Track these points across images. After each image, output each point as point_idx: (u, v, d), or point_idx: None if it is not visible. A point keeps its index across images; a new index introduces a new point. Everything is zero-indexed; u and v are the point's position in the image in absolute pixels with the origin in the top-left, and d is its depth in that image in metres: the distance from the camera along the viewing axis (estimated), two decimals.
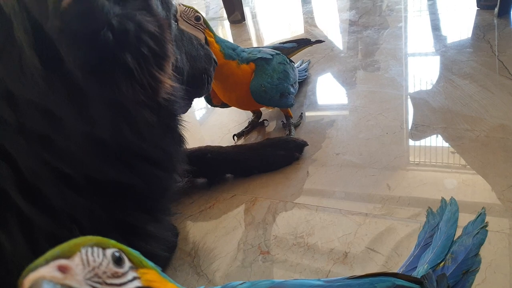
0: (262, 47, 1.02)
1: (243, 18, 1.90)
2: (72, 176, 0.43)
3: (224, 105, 0.98)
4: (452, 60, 1.10)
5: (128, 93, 0.42)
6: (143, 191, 0.51)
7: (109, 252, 0.27)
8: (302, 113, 1.01)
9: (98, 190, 0.46)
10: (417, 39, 1.33)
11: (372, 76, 1.14)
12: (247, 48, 0.93)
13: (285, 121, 0.98)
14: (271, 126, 1.03)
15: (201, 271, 0.65)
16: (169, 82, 0.47)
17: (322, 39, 1.50)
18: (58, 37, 0.37)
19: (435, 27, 1.38)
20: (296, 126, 0.97)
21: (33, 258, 0.41)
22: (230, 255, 0.66)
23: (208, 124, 1.12)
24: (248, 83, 0.87)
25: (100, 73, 0.40)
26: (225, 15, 1.98)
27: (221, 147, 0.88)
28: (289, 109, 0.96)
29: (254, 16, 2.09)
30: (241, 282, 0.39)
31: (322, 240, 0.65)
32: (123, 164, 0.47)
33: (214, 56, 0.75)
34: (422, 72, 1.11)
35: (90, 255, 0.25)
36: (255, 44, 1.67)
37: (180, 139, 0.60)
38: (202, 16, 0.82)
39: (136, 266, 0.28)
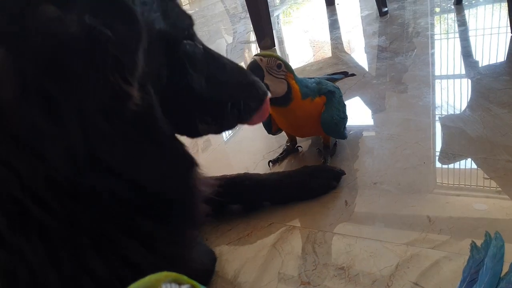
0: (319, 77, 1.05)
1: (273, 44, 1.95)
2: (61, 183, 0.44)
3: (277, 132, 1.01)
4: (488, 88, 1.10)
5: (89, 102, 0.41)
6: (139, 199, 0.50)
7: (185, 286, 0.29)
8: (336, 141, 1.02)
9: (98, 199, 0.46)
10: (450, 66, 1.33)
11: (406, 103, 1.14)
12: (313, 78, 0.95)
13: (321, 149, 0.99)
14: (305, 153, 1.05)
15: None
16: (136, 93, 0.44)
17: (352, 65, 1.52)
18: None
19: (467, 53, 1.38)
20: (332, 154, 0.98)
21: (53, 264, 0.43)
22: (271, 285, 0.67)
23: (242, 151, 1.14)
24: (318, 114, 0.89)
25: (60, 79, 0.40)
26: (252, 38, 2.03)
27: (258, 174, 0.89)
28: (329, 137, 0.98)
29: (281, 42, 2.13)
30: None
31: (364, 272, 0.65)
32: (100, 173, 0.46)
33: (261, 87, 0.70)
34: (457, 100, 1.11)
35: None
36: None
37: (177, 159, 0.57)
38: (283, 61, 0.84)
39: None
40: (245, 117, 0.69)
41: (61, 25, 0.38)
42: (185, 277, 0.31)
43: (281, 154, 1.02)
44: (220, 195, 0.73)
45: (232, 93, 0.64)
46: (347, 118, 0.97)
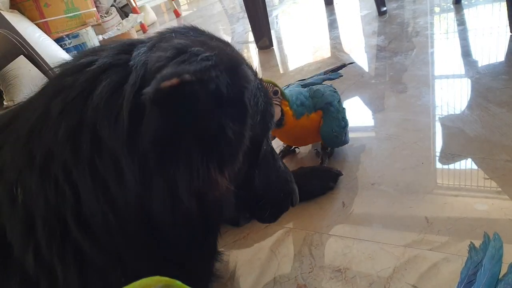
0: (314, 78, 1.04)
1: (271, 44, 1.94)
2: (116, 225, 0.45)
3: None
4: (487, 88, 1.09)
5: (182, 178, 0.43)
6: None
7: None
8: None
9: (139, 245, 0.47)
10: (449, 66, 1.32)
11: (405, 103, 1.14)
12: (307, 88, 0.94)
13: (319, 150, 0.98)
14: (302, 154, 1.04)
15: None
16: (224, 184, 0.47)
17: (350, 65, 1.51)
18: (148, 104, 0.39)
19: (466, 53, 1.37)
20: (330, 155, 0.97)
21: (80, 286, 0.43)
22: (267, 287, 0.66)
23: None
24: (316, 128, 0.89)
25: (166, 150, 0.42)
26: (250, 39, 2.02)
27: None
28: None
29: (280, 42, 2.12)
30: None
31: (361, 274, 0.64)
32: (153, 236, 0.48)
33: (296, 196, 0.70)
34: (456, 100, 1.10)
35: None
36: (281, 70, 1.70)
37: (214, 248, 0.61)
38: (280, 89, 0.84)
39: None
40: (274, 219, 0.69)
41: (209, 117, 0.42)
42: (178, 283, 0.30)
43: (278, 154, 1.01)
44: None
45: (278, 196, 0.66)
46: (347, 124, 0.95)
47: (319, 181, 0.85)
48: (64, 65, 0.50)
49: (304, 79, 1.10)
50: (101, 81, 0.44)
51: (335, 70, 1.16)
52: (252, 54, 1.99)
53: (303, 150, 1.05)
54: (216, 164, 0.44)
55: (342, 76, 1.12)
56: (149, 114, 0.40)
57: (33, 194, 0.43)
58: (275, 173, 0.64)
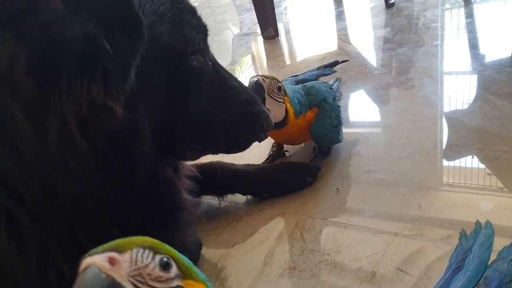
0: (308, 72, 1.03)
1: (276, 34, 1.93)
2: (34, 180, 0.42)
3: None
4: (491, 80, 1.07)
5: (68, 108, 0.39)
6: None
7: (158, 256, 0.28)
8: None
9: (66, 200, 0.44)
10: (454, 58, 1.31)
11: (406, 94, 1.13)
12: (302, 85, 0.92)
13: (316, 146, 0.94)
14: (292, 156, 0.99)
15: (227, 284, 0.65)
16: (119, 109, 0.42)
17: (355, 56, 1.50)
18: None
19: (473, 45, 1.35)
20: (326, 154, 0.93)
21: (18, 255, 0.41)
22: (256, 268, 0.67)
23: (236, 160, 1.14)
24: (309, 125, 0.86)
25: (43, 79, 0.39)
26: (259, 30, 2.02)
27: (233, 164, 0.86)
28: None
29: (287, 32, 2.11)
30: None
31: (350, 258, 0.65)
32: (81, 183, 0.44)
33: (268, 119, 0.64)
34: (458, 91, 1.09)
35: (139, 255, 0.28)
36: (287, 61, 1.69)
37: (163, 186, 0.55)
38: (282, 85, 0.82)
39: (184, 276, 0.29)
40: (239, 149, 0.64)
41: (62, 27, 0.37)
42: (165, 247, 0.30)
43: (267, 159, 0.97)
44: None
45: (233, 123, 0.58)
46: (341, 123, 0.92)
47: (298, 176, 0.84)
48: None
49: (297, 75, 1.09)
50: None
51: (329, 66, 1.15)
52: (259, 45, 1.98)
53: (292, 151, 1.01)
54: (101, 84, 0.39)
55: (335, 72, 1.11)
56: (8, 48, 0.37)
57: None
58: (226, 96, 0.57)
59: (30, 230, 0.42)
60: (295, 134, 0.88)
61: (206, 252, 0.73)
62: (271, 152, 0.99)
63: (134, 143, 0.47)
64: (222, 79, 0.58)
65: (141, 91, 0.45)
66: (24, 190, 0.42)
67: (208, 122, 0.56)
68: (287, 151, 1.00)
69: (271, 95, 0.80)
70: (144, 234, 0.31)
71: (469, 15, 1.62)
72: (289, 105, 0.83)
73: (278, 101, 0.81)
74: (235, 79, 0.60)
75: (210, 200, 0.86)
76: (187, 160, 0.65)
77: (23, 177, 0.41)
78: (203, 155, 0.63)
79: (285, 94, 0.83)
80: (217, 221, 0.80)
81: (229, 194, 0.84)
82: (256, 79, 0.78)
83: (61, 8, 0.37)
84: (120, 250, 0.27)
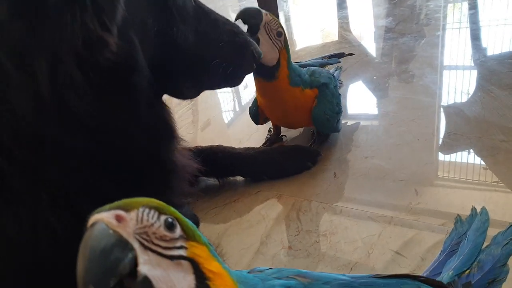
0: (311, 61, 1.02)
1: None
2: (23, 129, 0.41)
3: (265, 121, 0.96)
4: (492, 71, 1.07)
5: (62, 44, 0.38)
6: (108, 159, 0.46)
7: (163, 217, 0.29)
8: None
9: (58, 148, 0.43)
10: (455, 49, 1.30)
11: (406, 83, 1.13)
12: (303, 67, 0.90)
13: (315, 132, 0.94)
14: (289, 142, 0.99)
15: (223, 261, 0.65)
16: (113, 41, 0.41)
17: (356, 45, 1.50)
18: None
19: (475, 37, 1.35)
20: (324, 140, 0.92)
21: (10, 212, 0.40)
22: (253, 247, 0.67)
23: (238, 122, 1.14)
24: (309, 108, 0.85)
25: (33, 17, 0.37)
26: None
27: (233, 147, 0.87)
28: None
29: (287, 20, 2.10)
30: (268, 267, 0.40)
31: (345, 240, 0.65)
32: (76, 129, 0.43)
33: (256, 49, 0.65)
34: (458, 81, 1.09)
35: (145, 214, 0.28)
36: None
37: (161, 126, 0.54)
38: (284, 34, 0.78)
39: (187, 237, 0.30)
40: (234, 81, 0.65)
41: None
42: (170, 208, 0.30)
43: (264, 143, 0.97)
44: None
45: (222, 52, 0.59)
46: (341, 111, 0.91)
47: (297, 160, 0.84)
48: None
49: (301, 61, 1.08)
50: None
51: (335, 57, 1.14)
52: None
53: (290, 136, 1.01)
54: (93, 16, 0.39)
55: (340, 62, 1.11)
56: None
57: None
58: (211, 27, 0.58)
59: (20, 187, 0.42)
60: (291, 108, 0.85)
61: (204, 229, 0.73)
62: (269, 136, 0.99)
63: (131, 75, 0.46)
64: (205, 12, 0.58)
65: (131, 22, 0.45)
66: (15, 145, 0.41)
67: (198, 55, 0.56)
68: (284, 135, 1.00)
69: (268, 32, 0.76)
70: (135, 191, 0.31)
71: (473, 6, 1.61)
72: (284, 61, 0.79)
73: (274, 44, 0.77)
74: (218, 14, 0.61)
75: (209, 181, 0.86)
76: (186, 98, 0.65)
77: (14, 131, 0.40)
78: (200, 92, 0.63)
79: (285, 45, 0.79)
80: (215, 200, 0.80)
81: (229, 177, 0.85)
82: (257, 8, 0.75)
83: None
84: (127, 208, 0.28)
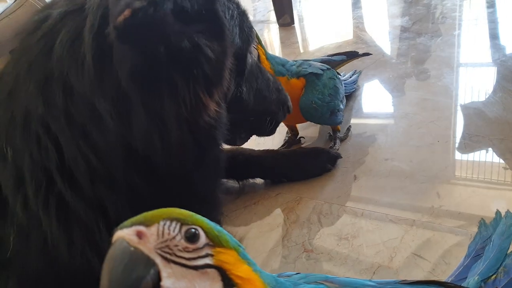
0: (312, 60, 1.02)
1: (292, 21, 1.91)
2: (103, 173, 0.45)
3: None
4: None
5: (169, 108, 0.43)
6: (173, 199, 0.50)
7: (185, 227, 0.29)
8: (349, 126, 0.98)
9: (128, 190, 0.47)
10: (474, 48, 1.29)
11: (424, 83, 1.12)
12: (296, 61, 0.90)
13: (331, 134, 0.95)
14: (308, 143, 0.99)
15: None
16: (213, 107, 0.47)
17: (372, 45, 1.49)
18: (114, 43, 0.40)
19: (494, 35, 1.33)
20: (343, 139, 0.94)
21: (65, 238, 0.44)
22: (274, 250, 0.68)
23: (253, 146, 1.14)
24: (297, 98, 0.84)
25: (146, 83, 0.42)
26: (272, 18, 2.00)
27: (253, 150, 0.88)
28: None
29: (301, 20, 2.09)
30: (295, 272, 0.40)
31: (367, 243, 0.65)
32: (148, 172, 0.47)
33: (290, 104, 0.72)
34: (478, 82, 1.07)
35: (166, 228, 0.28)
36: (301, 48, 1.68)
37: (218, 168, 0.59)
38: (257, 34, 0.78)
39: (214, 244, 0.29)
40: (271, 131, 0.72)
41: (179, 37, 0.41)
42: (193, 217, 0.30)
43: (283, 145, 0.97)
44: None
45: (272, 107, 0.67)
46: (338, 102, 0.89)
47: (317, 162, 0.84)
48: (23, 27, 0.50)
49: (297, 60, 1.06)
50: (60, 31, 0.44)
51: (344, 54, 1.12)
52: (272, 33, 1.97)
53: (309, 139, 1.00)
54: (204, 88, 0.43)
55: (345, 59, 1.10)
56: (117, 52, 0.40)
57: (20, 153, 0.45)
58: (266, 85, 0.64)
59: (80, 216, 0.45)
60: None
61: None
62: (287, 138, 0.99)
63: (216, 135, 0.51)
64: (262, 71, 0.64)
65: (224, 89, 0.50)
66: (85, 179, 0.44)
67: (255, 110, 0.63)
68: (302, 137, 1.00)
69: None
70: None
71: (491, 4, 1.58)
72: (263, 56, 0.79)
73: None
74: (267, 71, 0.67)
75: (228, 183, 0.86)
76: (237, 145, 0.74)
77: (89, 168, 0.44)
78: (247, 140, 0.71)
79: (260, 44, 0.79)
80: (235, 203, 0.81)
81: (249, 179, 0.86)
82: None
83: (174, 22, 0.40)
84: (147, 223, 0.28)
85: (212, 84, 0.45)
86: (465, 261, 0.56)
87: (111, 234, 0.44)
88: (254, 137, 1.01)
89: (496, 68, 1.11)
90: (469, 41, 1.34)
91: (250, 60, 0.59)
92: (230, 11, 0.51)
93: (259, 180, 0.87)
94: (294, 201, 0.79)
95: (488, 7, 1.56)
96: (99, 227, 0.46)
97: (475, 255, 0.57)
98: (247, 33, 0.56)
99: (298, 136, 0.99)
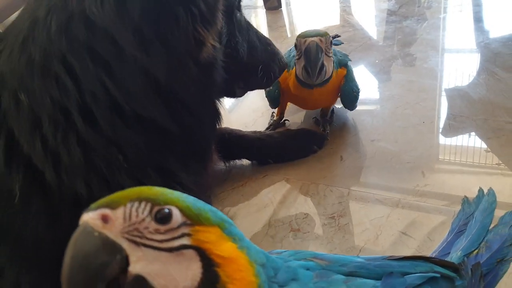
0: None
1: (279, 5, 1.89)
2: (124, 107, 0.48)
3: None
4: (496, 53, 1.07)
5: (177, 38, 0.48)
6: (178, 138, 0.55)
7: (156, 208, 0.27)
8: (333, 108, 0.97)
9: (142, 127, 0.50)
10: (459, 31, 1.29)
11: (410, 66, 1.12)
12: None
13: (318, 118, 0.94)
14: (292, 125, 0.98)
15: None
16: (210, 42, 0.52)
17: (359, 28, 1.49)
18: None
19: (478, 19, 1.33)
20: (330, 123, 0.93)
21: (86, 170, 0.47)
22: (261, 230, 0.68)
23: (242, 107, 1.14)
24: (337, 87, 0.84)
25: (158, 18, 0.47)
26: (259, 3, 1.98)
27: (240, 130, 0.88)
28: None
29: (288, 4, 2.07)
30: (284, 250, 0.40)
31: (354, 222, 0.66)
32: (166, 105, 0.51)
33: (283, 58, 0.75)
34: (463, 64, 1.09)
35: (134, 210, 0.26)
36: (289, 32, 1.66)
37: (216, 111, 0.63)
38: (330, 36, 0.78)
39: (192, 222, 0.28)
40: (267, 83, 0.75)
41: None
42: (166, 196, 0.28)
43: (267, 128, 0.95)
44: None
45: (264, 58, 0.71)
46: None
47: (303, 143, 0.85)
48: None
49: None
50: None
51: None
52: (260, 17, 1.95)
53: (293, 124, 0.99)
54: (201, 23, 0.49)
55: (343, 43, 1.10)
56: None
57: (37, 96, 0.46)
58: (256, 39, 0.70)
59: (99, 147, 0.48)
60: (325, 94, 0.84)
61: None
62: (271, 121, 0.97)
63: (214, 72, 0.57)
64: (251, 26, 0.71)
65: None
66: (105, 116, 0.47)
67: (249, 60, 0.68)
68: (287, 119, 0.99)
69: (326, 53, 0.76)
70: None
71: None
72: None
73: (330, 56, 0.77)
74: (255, 28, 0.73)
75: (215, 166, 0.86)
76: (236, 97, 0.79)
77: (111, 102, 0.47)
78: (246, 92, 0.76)
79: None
80: (222, 185, 0.81)
81: (236, 160, 0.85)
82: (314, 43, 0.73)
83: None
84: (113, 206, 0.26)
85: (207, 22, 0.50)
86: (448, 237, 0.58)
87: (129, 175, 0.48)
88: (241, 118, 1.02)
89: (480, 50, 1.12)
90: (454, 25, 1.34)
91: (239, 16, 0.66)
92: None
93: (246, 162, 0.87)
94: (281, 182, 0.79)
95: None
96: (119, 160, 0.48)
97: (458, 231, 0.58)
98: None
99: (283, 119, 0.98)
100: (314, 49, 0.73)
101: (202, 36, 0.50)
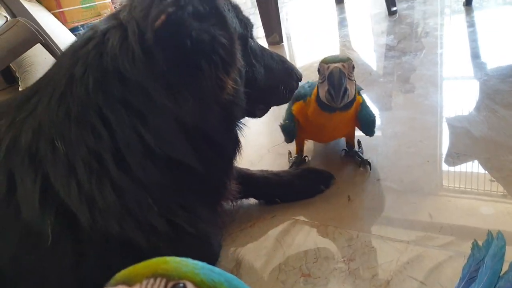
0: None
1: (281, 40, 1.95)
2: (155, 151, 0.52)
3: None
4: (495, 89, 1.10)
5: (203, 87, 0.53)
6: (200, 175, 0.59)
7: (171, 283, 0.28)
8: (358, 139, 0.97)
9: (170, 167, 0.54)
10: (457, 66, 1.33)
11: (412, 102, 1.15)
12: None
13: (347, 149, 0.95)
14: (311, 161, 1.00)
15: None
16: (231, 85, 0.57)
17: (359, 63, 1.52)
18: (153, 43, 0.50)
19: (475, 55, 1.37)
20: (362, 152, 0.94)
21: (119, 212, 0.51)
22: (272, 275, 0.68)
23: (247, 144, 1.14)
24: (354, 115, 0.86)
25: (183, 69, 0.52)
26: (260, 34, 2.03)
27: (247, 169, 0.89)
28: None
29: (289, 38, 2.13)
30: None
31: (364, 266, 0.66)
32: (191, 144, 0.56)
33: (298, 71, 0.79)
34: (463, 100, 1.11)
35: (149, 287, 0.27)
36: None
37: (237, 140, 0.68)
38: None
39: None
40: (287, 99, 0.81)
41: (199, 32, 0.51)
42: (181, 270, 0.29)
43: (290, 166, 0.96)
44: None
45: (282, 77, 0.76)
46: None
47: (310, 183, 0.85)
48: (71, 44, 0.59)
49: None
50: (108, 40, 0.53)
51: None
52: None
53: (315, 157, 1.03)
54: (223, 70, 0.54)
55: None
56: (155, 50, 0.51)
57: (73, 144, 0.50)
58: (270, 60, 0.74)
59: (132, 192, 0.52)
60: (343, 122, 0.86)
61: (222, 256, 0.73)
62: (293, 159, 0.97)
63: (236, 107, 0.61)
64: (265, 50, 0.75)
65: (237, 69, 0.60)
66: (137, 162, 0.52)
67: (268, 83, 0.73)
68: (307, 156, 1.00)
69: (349, 77, 0.77)
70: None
71: (471, 24, 1.65)
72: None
73: (352, 80, 0.78)
74: (269, 49, 0.77)
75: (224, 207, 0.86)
76: (257, 117, 0.81)
77: (144, 148, 0.52)
78: (266, 112, 0.80)
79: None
80: (230, 226, 0.81)
81: (243, 199, 0.86)
82: (337, 68, 0.75)
83: (196, 23, 0.51)
84: (130, 283, 0.27)
85: (228, 65, 0.55)
86: (460, 284, 0.58)
87: (158, 214, 0.52)
88: (246, 157, 1.03)
89: (479, 87, 1.15)
90: (453, 60, 1.38)
91: (253, 44, 0.70)
92: (226, 6, 0.60)
93: (253, 201, 0.87)
94: (290, 224, 0.79)
95: (468, 27, 1.62)
96: (149, 201, 0.53)
97: (469, 277, 0.59)
98: (244, 21, 0.67)
99: (304, 156, 0.98)
100: (338, 75, 0.75)
101: (224, 82, 0.55)
